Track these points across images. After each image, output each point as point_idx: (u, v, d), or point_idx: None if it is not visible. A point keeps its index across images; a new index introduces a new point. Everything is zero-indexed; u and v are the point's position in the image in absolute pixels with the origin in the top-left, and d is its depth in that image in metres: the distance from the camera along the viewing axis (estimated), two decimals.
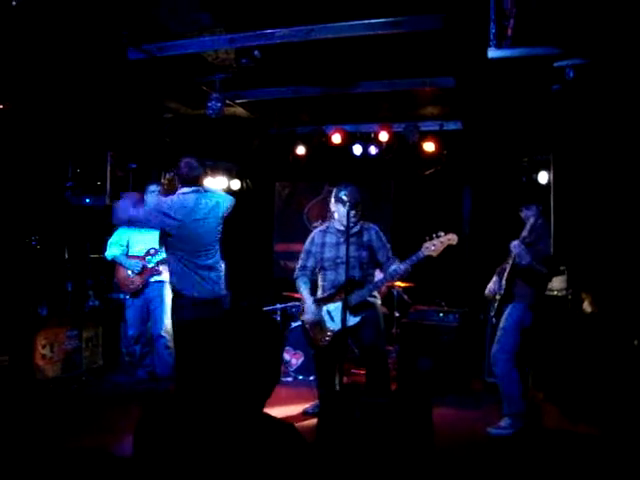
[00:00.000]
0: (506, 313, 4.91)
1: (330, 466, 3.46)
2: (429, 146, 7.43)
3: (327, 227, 5.04)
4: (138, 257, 5.87)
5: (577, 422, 4.33)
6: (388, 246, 4.96)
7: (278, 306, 7.39)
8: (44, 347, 5.75)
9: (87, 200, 6.51)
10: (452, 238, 4.55)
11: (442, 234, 4.55)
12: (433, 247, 4.52)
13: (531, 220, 4.73)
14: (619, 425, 3.78)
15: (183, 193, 4.56)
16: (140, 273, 5.82)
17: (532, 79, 4.58)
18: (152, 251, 5.85)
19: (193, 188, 4.57)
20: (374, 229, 4.96)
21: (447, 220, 7.85)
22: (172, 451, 1.67)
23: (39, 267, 6.14)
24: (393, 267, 4.71)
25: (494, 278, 5.14)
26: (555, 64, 3.76)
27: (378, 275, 5.05)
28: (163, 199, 4.81)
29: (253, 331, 1.81)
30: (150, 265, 5.84)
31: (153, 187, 6.06)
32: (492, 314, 5.06)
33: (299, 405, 5.51)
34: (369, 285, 4.80)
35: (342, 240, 4.75)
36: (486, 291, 5.19)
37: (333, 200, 4.91)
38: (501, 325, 4.92)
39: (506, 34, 3.57)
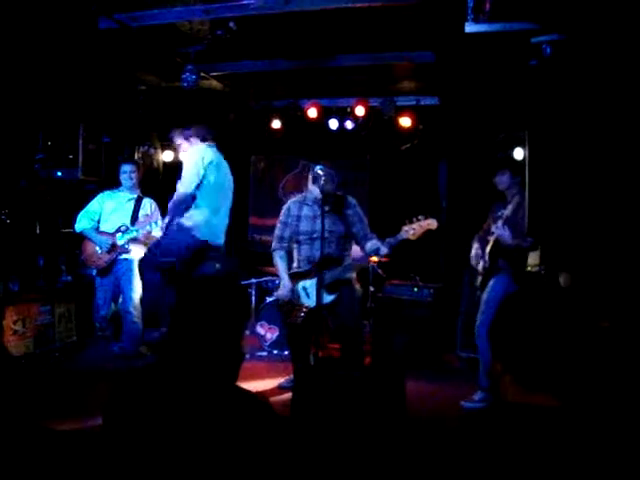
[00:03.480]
0: (490, 285, 4.90)
1: (304, 439, 3.49)
2: (405, 121, 7.42)
3: (304, 198, 4.95)
4: (108, 234, 5.77)
5: (535, 393, 4.40)
6: (365, 221, 4.90)
7: (253, 280, 7.37)
8: (15, 323, 5.66)
9: (59, 173, 6.39)
10: (431, 223, 4.51)
11: (422, 218, 4.50)
12: (412, 231, 4.49)
13: (516, 199, 4.72)
14: (578, 397, 3.85)
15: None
16: (109, 251, 5.74)
17: (509, 55, 4.58)
18: (123, 228, 5.76)
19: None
20: (352, 202, 4.91)
21: (424, 195, 7.90)
22: (142, 427, 1.66)
23: (9, 242, 6.02)
24: (372, 246, 4.67)
25: (475, 244, 5.14)
26: (532, 40, 3.76)
27: (355, 251, 5.03)
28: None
29: (217, 296, 1.81)
30: (120, 242, 5.75)
31: (127, 167, 5.97)
32: (477, 284, 5.07)
33: (274, 379, 5.53)
34: (346, 263, 4.78)
35: (319, 213, 4.69)
36: (472, 258, 5.20)
37: (310, 181, 4.85)
38: (485, 297, 4.92)
39: (484, 8, 3.55)
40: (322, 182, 4.53)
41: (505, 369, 1.45)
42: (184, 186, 5.07)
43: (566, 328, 1.42)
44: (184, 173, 5.11)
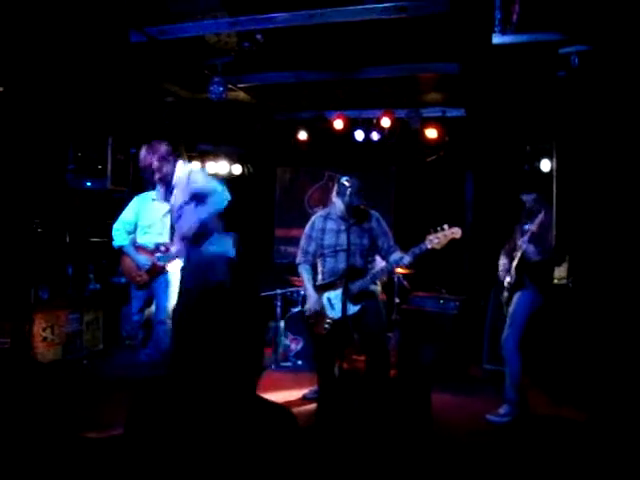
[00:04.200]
0: (516, 299, 4.89)
1: (329, 451, 3.48)
2: (431, 132, 7.41)
3: (328, 213, 4.96)
4: (147, 251, 5.70)
5: (563, 406, 4.36)
6: (390, 234, 4.89)
7: (278, 291, 7.38)
8: (45, 330, 5.76)
9: (88, 183, 6.49)
10: (456, 232, 4.46)
11: (446, 227, 4.46)
12: (437, 240, 4.45)
13: (540, 216, 4.69)
14: (605, 411, 3.80)
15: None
16: (149, 271, 5.68)
17: (536, 66, 4.56)
18: (163, 248, 5.62)
19: None
20: (375, 216, 4.92)
21: (449, 207, 7.87)
22: (164, 435, 1.67)
23: (40, 250, 6.12)
24: (395, 257, 4.66)
25: (503, 259, 5.13)
26: (560, 51, 3.74)
27: (379, 262, 5.03)
28: None
29: (236, 307, 1.81)
30: (160, 263, 5.65)
31: None
32: (504, 299, 5.05)
33: (298, 390, 5.53)
34: (370, 274, 4.77)
35: (343, 228, 4.70)
36: (500, 272, 5.18)
37: (335, 192, 4.85)
38: (511, 311, 4.91)
39: (511, 20, 3.54)
40: (347, 193, 4.52)
41: (533, 382, 1.44)
42: None
43: (594, 341, 1.41)
44: None
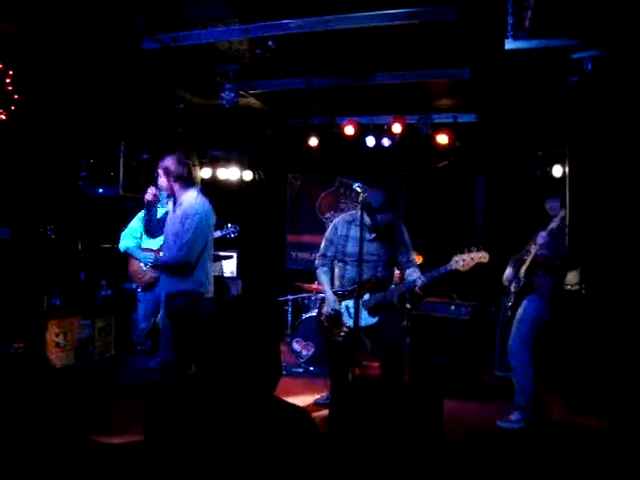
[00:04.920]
0: (524, 305, 4.86)
1: (341, 456, 3.47)
2: (442, 138, 7.41)
3: (353, 219, 4.84)
4: (152, 250, 5.83)
5: (582, 414, 4.32)
6: (411, 248, 4.76)
7: (289, 297, 7.40)
8: (57, 336, 5.78)
9: (100, 190, 6.53)
10: (484, 256, 4.33)
11: (474, 249, 4.34)
12: (462, 262, 4.33)
13: (561, 213, 4.63)
14: (624, 417, 3.77)
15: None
16: (153, 266, 5.78)
17: (548, 71, 4.55)
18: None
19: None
20: (402, 228, 4.81)
21: (460, 213, 7.85)
22: (182, 437, 1.68)
23: (53, 257, 6.16)
24: (410, 278, 4.55)
25: (509, 269, 5.09)
26: (573, 56, 3.73)
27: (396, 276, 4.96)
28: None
29: (255, 313, 1.82)
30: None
31: None
32: (509, 304, 5.00)
33: (310, 396, 5.53)
34: (390, 287, 4.72)
35: (367, 237, 4.61)
36: (504, 279, 5.14)
37: (358, 199, 4.72)
38: (518, 317, 4.87)
39: (523, 25, 3.54)
40: (362, 199, 4.43)
41: (550, 389, 1.43)
42: None
43: (606, 347, 1.40)
44: None
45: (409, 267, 4.66)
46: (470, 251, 4.34)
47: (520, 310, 4.89)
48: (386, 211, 4.64)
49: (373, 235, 4.62)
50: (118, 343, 6.60)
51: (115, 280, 6.77)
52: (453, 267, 4.37)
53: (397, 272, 5.07)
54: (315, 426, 1.74)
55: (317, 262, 4.99)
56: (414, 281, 4.49)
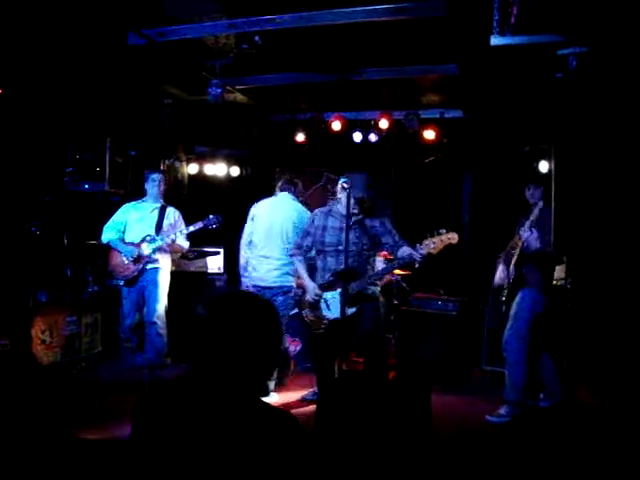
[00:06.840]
0: (518, 299, 4.86)
1: (329, 452, 3.48)
2: (429, 134, 7.42)
3: (330, 210, 4.86)
4: (134, 244, 5.83)
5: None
6: (394, 230, 4.76)
7: None
8: (43, 332, 5.74)
9: (86, 186, 6.47)
10: (452, 237, 4.37)
11: (443, 231, 4.38)
12: (433, 245, 4.37)
13: (540, 204, 4.69)
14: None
15: None
16: (135, 260, 5.78)
17: (534, 67, 4.56)
18: (148, 238, 5.80)
19: None
20: (380, 218, 4.80)
21: (447, 208, 7.87)
22: (169, 437, 1.68)
23: (39, 253, 6.11)
24: (403, 253, 4.54)
25: (500, 267, 5.10)
26: (558, 52, 3.74)
27: (379, 264, 4.98)
28: None
29: (250, 312, 1.81)
30: (145, 252, 5.79)
31: (156, 176, 6.03)
32: (503, 299, 5.02)
33: (297, 392, 5.54)
34: (369, 274, 4.72)
35: (344, 226, 4.64)
36: (497, 280, 5.14)
37: (339, 188, 4.78)
38: (513, 311, 4.88)
39: (509, 21, 3.55)
40: (348, 192, 4.42)
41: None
42: None
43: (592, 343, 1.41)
44: None
45: (401, 246, 4.63)
46: (439, 234, 4.37)
47: (514, 304, 4.89)
48: (368, 196, 4.68)
49: (351, 221, 4.57)
50: (105, 339, 6.56)
51: (101, 276, 6.73)
52: (424, 250, 4.38)
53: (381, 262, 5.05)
54: (304, 433, 1.74)
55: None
56: (410, 255, 4.47)
